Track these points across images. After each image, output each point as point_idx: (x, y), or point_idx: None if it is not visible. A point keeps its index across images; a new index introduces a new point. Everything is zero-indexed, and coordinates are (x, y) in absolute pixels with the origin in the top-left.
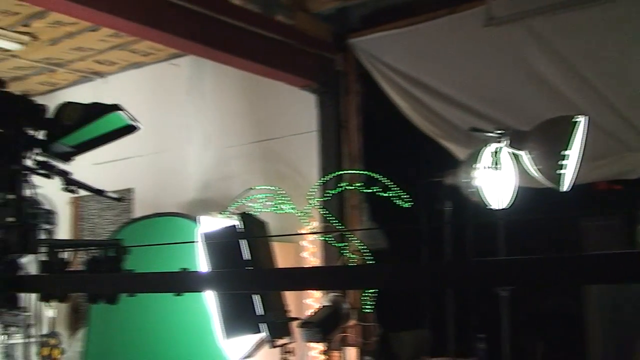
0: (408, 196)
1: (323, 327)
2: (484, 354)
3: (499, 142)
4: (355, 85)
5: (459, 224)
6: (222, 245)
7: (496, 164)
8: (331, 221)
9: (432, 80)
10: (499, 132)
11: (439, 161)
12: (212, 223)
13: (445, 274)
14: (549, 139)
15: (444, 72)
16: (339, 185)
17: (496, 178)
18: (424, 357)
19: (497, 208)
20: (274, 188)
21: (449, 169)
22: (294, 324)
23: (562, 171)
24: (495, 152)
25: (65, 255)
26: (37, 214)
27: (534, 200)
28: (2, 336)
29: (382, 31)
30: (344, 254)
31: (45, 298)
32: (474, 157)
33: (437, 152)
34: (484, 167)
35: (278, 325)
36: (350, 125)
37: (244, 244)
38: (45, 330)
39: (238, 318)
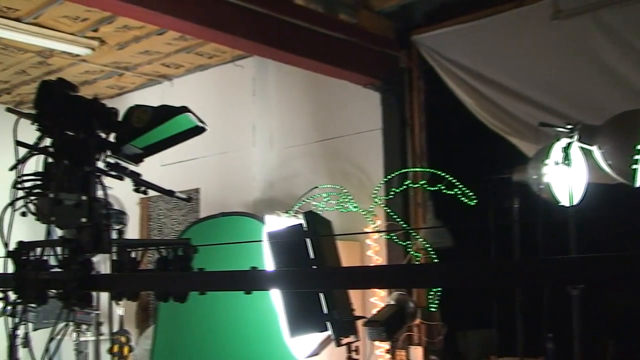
0: (473, 194)
1: (388, 326)
2: (553, 354)
3: (569, 137)
4: (419, 82)
5: (528, 222)
6: (287, 244)
7: (566, 159)
8: (396, 219)
9: (498, 76)
10: (569, 127)
11: (505, 158)
12: (277, 222)
13: (513, 272)
14: (621, 133)
15: (510, 67)
16: (403, 183)
17: (566, 174)
18: (491, 357)
19: (567, 205)
20: (338, 187)
21: (516, 165)
22: (359, 322)
23: (636, 166)
24: (565, 148)
25: (134, 254)
26: (109, 215)
27: (605, 196)
28: (74, 333)
29: (446, 27)
30: (409, 253)
31: (117, 296)
32: (543, 153)
33: (503, 149)
34: (554, 163)
35: (343, 324)
36: (414, 123)
37: (309, 243)
38: (115, 328)
39: (304, 316)
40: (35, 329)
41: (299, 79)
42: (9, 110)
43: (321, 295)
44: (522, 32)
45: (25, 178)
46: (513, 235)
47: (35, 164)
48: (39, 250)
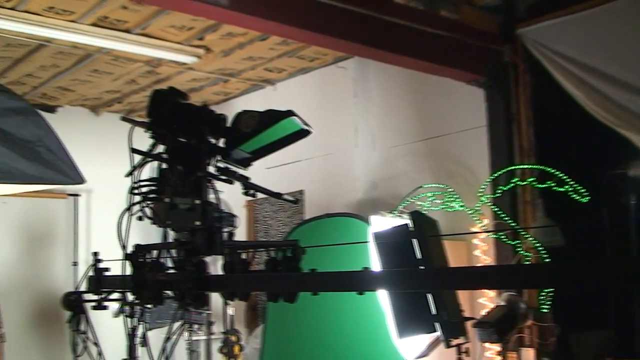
0: (585, 190)
1: (499, 327)
2: None
3: None
4: (525, 77)
5: None
6: (393, 245)
7: None
8: (504, 218)
9: (610, 67)
10: None
11: (618, 153)
12: (383, 223)
13: (630, 271)
14: None
15: (622, 58)
16: (511, 181)
17: None
18: (607, 359)
19: None
20: (443, 186)
21: (630, 160)
22: (469, 323)
23: None
24: None
25: (244, 255)
26: (221, 218)
27: None
28: (187, 333)
29: (553, 19)
30: (519, 252)
31: (229, 297)
32: None
33: (616, 143)
34: None
35: (452, 325)
36: (521, 118)
37: (415, 243)
38: (225, 328)
39: (412, 317)
40: (149, 329)
41: (400, 78)
42: (123, 119)
43: (429, 296)
44: (634, 21)
45: (141, 184)
46: (629, 233)
47: (149, 170)
48: (155, 252)
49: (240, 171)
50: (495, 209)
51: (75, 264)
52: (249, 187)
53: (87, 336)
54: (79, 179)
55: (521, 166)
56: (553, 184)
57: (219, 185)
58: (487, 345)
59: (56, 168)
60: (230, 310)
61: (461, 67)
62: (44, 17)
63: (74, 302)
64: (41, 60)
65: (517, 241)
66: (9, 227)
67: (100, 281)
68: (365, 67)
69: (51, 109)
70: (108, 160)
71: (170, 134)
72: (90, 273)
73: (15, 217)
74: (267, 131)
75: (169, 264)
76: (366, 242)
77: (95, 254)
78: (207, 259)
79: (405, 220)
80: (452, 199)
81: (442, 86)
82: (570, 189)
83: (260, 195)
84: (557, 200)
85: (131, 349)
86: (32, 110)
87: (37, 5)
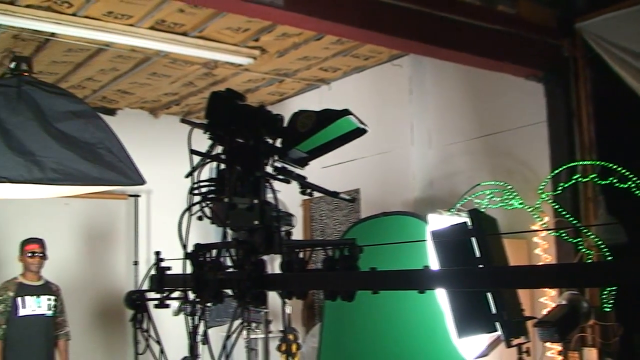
0: None
1: (560, 327)
2: None
3: None
4: (585, 71)
5: None
6: (451, 243)
7: None
8: (565, 216)
9: None
10: None
11: None
12: (440, 221)
13: None
14: None
15: None
16: (571, 177)
17: None
18: None
19: None
20: (501, 183)
21: None
22: (530, 323)
23: None
24: None
25: (302, 254)
26: (279, 217)
27: None
28: (245, 331)
29: (613, 11)
30: (580, 250)
31: (287, 295)
32: None
33: None
34: None
35: (513, 324)
36: (582, 114)
37: (474, 242)
38: (282, 326)
39: (471, 317)
40: (208, 327)
41: (456, 74)
42: (182, 121)
43: (489, 295)
44: None
45: (200, 184)
46: None
47: (208, 170)
48: (214, 251)
49: (297, 170)
50: (556, 207)
51: (135, 263)
52: (306, 187)
53: (149, 334)
54: (140, 180)
55: (582, 162)
56: (615, 180)
57: (276, 184)
58: (548, 345)
59: (117, 169)
60: (287, 309)
61: (519, 62)
62: (103, 21)
63: (136, 301)
64: (101, 64)
65: (579, 239)
66: (71, 228)
67: (162, 280)
68: (421, 65)
69: (111, 112)
70: (167, 162)
71: (228, 135)
72: (153, 272)
73: (78, 218)
74: (323, 130)
75: (228, 263)
76: (424, 240)
77: (157, 253)
78: (265, 257)
79: (464, 218)
80: (511, 197)
81: (500, 82)
82: (633, 185)
83: (316, 194)
84: (619, 197)
85: (192, 347)
86: (93, 113)
87: (96, 10)
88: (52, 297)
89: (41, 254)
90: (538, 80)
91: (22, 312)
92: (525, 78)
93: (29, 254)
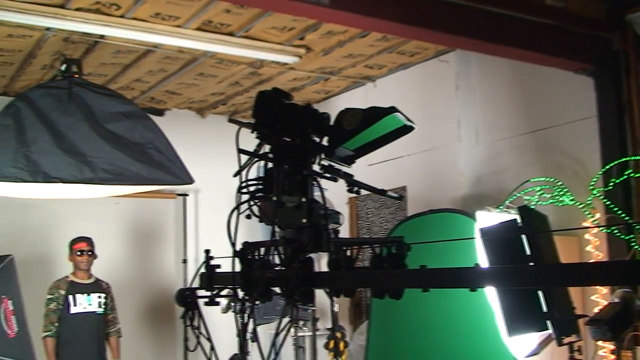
0: None
1: (613, 325)
2: None
3: None
4: (636, 64)
5: None
6: (501, 241)
7: None
8: (617, 212)
9: None
10: None
11: None
12: (489, 218)
13: None
14: None
15: None
16: (624, 173)
17: None
18: None
19: None
20: (551, 179)
21: None
22: (581, 321)
23: None
24: None
25: (349, 252)
26: (326, 215)
27: None
28: (292, 329)
29: None
30: (633, 247)
31: (335, 293)
32: None
33: None
34: None
35: (564, 323)
36: (633, 108)
37: (524, 239)
38: (330, 324)
39: (522, 315)
40: (256, 325)
41: (504, 69)
42: (230, 120)
43: (540, 293)
44: None
45: (248, 183)
46: None
47: (256, 169)
48: (262, 249)
49: (344, 169)
50: (608, 203)
51: (184, 261)
52: (353, 184)
53: (199, 331)
54: (188, 179)
55: (634, 157)
56: None
57: (323, 182)
58: (600, 343)
59: (166, 169)
60: (335, 307)
61: (568, 56)
62: (151, 23)
63: (187, 298)
64: (149, 65)
65: (631, 236)
66: (121, 227)
67: (212, 278)
68: (467, 60)
69: (159, 112)
70: (214, 161)
71: (275, 134)
72: (202, 270)
73: (127, 217)
74: (370, 128)
75: (276, 261)
76: (472, 238)
77: (207, 251)
78: (313, 255)
79: (514, 215)
80: (561, 193)
81: (548, 76)
82: None
83: (363, 192)
84: None
85: (242, 345)
86: (142, 114)
87: (144, 12)
88: (103, 295)
89: (89, 252)
90: (588, 74)
91: (73, 309)
92: (575, 72)
93: (78, 253)
